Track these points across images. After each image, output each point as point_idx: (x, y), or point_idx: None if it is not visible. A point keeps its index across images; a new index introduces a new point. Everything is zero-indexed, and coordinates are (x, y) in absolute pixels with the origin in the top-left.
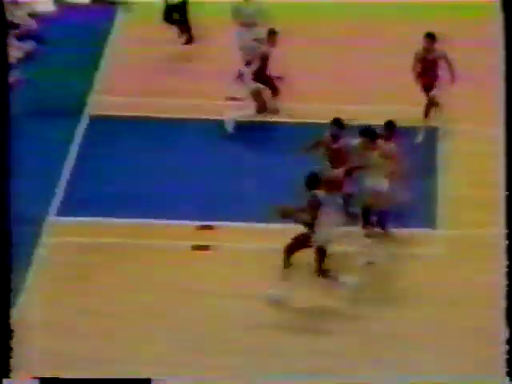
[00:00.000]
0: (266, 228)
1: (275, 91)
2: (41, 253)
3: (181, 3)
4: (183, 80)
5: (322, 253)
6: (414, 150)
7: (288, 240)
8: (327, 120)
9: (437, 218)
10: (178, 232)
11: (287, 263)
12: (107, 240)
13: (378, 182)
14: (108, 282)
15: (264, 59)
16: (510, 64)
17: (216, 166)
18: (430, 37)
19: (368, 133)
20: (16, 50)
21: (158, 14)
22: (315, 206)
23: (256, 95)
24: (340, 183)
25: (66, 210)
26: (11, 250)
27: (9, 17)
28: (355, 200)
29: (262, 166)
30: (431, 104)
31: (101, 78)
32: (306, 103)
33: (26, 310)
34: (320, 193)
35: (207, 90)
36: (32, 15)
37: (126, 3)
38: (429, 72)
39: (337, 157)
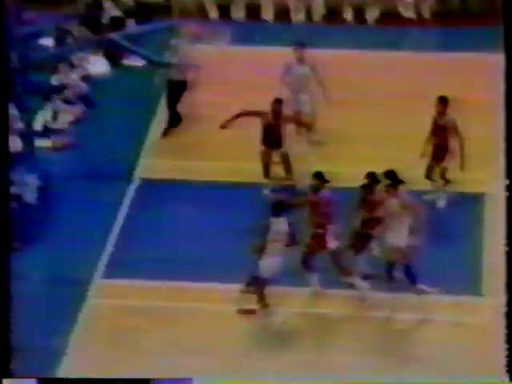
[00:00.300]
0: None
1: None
2: (86, 314)
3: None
4: (234, 143)
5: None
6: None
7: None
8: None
9: (481, 284)
10: (224, 295)
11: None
12: (153, 303)
13: (398, 237)
14: (152, 345)
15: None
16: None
17: None
18: (443, 100)
19: (392, 175)
20: (66, 113)
21: (209, 78)
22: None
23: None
24: (323, 240)
25: (112, 272)
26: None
27: (62, 79)
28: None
29: None
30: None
31: (151, 141)
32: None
33: (70, 371)
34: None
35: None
36: (85, 77)
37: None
38: (438, 138)
39: (315, 209)
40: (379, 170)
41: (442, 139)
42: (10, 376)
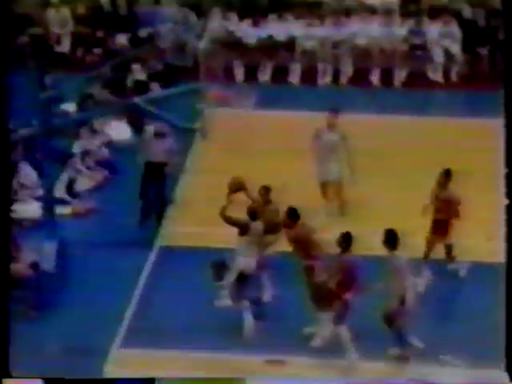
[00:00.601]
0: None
1: None
2: None
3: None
4: None
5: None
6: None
7: None
8: None
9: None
10: (246, 366)
11: None
12: (171, 373)
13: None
14: None
15: None
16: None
17: (286, 300)
18: (447, 173)
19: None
20: (87, 179)
21: (234, 143)
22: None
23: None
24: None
25: (130, 341)
26: None
27: (83, 145)
28: None
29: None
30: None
31: (173, 208)
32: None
33: None
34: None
35: None
36: (108, 143)
37: (203, 130)
38: (440, 213)
39: (298, 244)
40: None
41: (445, 214)
42: (10, 376)
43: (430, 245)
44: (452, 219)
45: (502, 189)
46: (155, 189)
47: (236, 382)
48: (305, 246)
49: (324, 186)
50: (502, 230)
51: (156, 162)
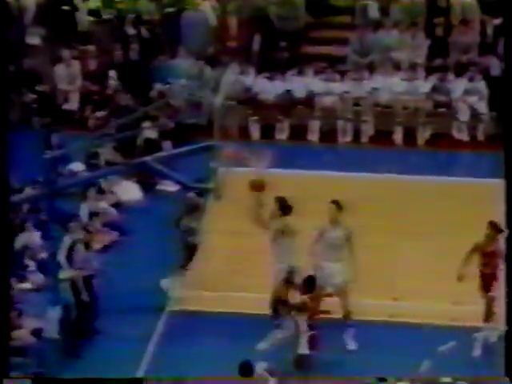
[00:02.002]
0: None
1: None
2: None
3: None
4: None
5: None
6: None
7: None
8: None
9: None
10: None
11: None
12: None
13: None
14: None
15: None
16: None
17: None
18: (493, 225)
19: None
20: (95, 242)
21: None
22: None
23: None
24: None
25: None
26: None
27: (91, 206)
28: None
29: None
30: (489, 306)
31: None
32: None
33: None
34: None
35: None
36: (117, 204)
37: (217, 190)
38: (488, 266)
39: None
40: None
41: (491, 267)
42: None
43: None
44: (497, 272)
45: None
46: None
47: None
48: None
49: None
50: None
51: None
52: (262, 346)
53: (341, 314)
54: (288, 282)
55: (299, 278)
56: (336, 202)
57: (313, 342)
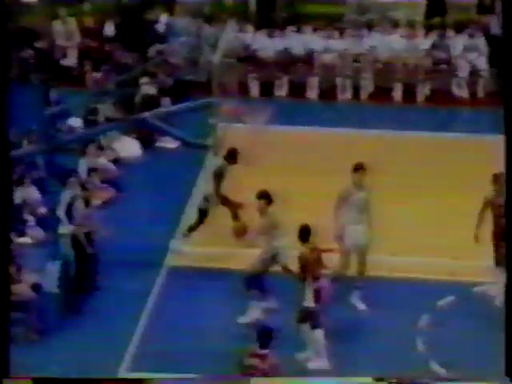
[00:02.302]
0: None
1: None
2: None
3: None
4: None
5: None
6: None
7: None
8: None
9: None
10: None
11: None
12: None
13: None
14: None
15: None
16: None
17: None
18: (497, 178)
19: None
20: (93, 198)
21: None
22: None
23: None
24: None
25: (137, 365)
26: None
27: (90, 162)
28: None
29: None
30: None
31: (184, 227)
32: None
33: None
34: None
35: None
36: (116, 161)
37: (216, 146)
38: (499, 220)
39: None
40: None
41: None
42: (10, 376)
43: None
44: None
45: None
46: None
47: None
48: (313, 265)
49: (348, 252)
50: None
51: None
52: (243, 319)
53: (355, 272)
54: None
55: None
56: (361, 166)
57: (318, 295)
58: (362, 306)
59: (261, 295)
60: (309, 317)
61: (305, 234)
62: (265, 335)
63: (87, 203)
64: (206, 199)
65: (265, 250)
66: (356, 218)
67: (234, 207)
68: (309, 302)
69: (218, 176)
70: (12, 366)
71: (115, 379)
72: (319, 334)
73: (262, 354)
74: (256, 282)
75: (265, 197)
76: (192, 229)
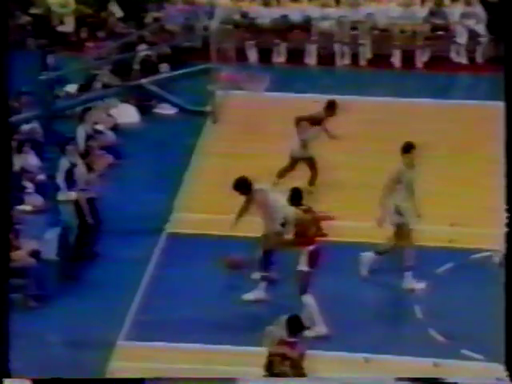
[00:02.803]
0: None
1: None
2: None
3: None
4: None
5: None
6: None
7: None
8: None
9: None
10: (256, 359)
11: None
12: (177, 366)
13: None
14: None
15: None
16: None
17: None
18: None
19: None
20: (92, 164)
21: (246, 127)
22: None
23: None
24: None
25: (135, 333)
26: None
27: (88, 129)
28: None
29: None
30: None
31: (182, 194)
32: None
33: None
34: None
35: None
36: (114, 128)
37: (214, 113)
38: None
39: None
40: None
41: None
42: (10, 376)
43: None
44: None
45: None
46: None
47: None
48: (310, 227)
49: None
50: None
51: None
52: (249, 296)
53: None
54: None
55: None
56: (412, 146)
57: (312, 259)
58: (419, 285)
59: (268, 271)
60: (302, 279)
61: (297, 196)
62: (295, 323)
63: (90, 169)
64: None
65: (267, 228)
66: (407, 197)
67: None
68: (302, 266)
69: None
70: (11, 333)
71: (115, 379)
72: (309, 299)
73: (292, 341)
74: (266, 259)
75: (241, 187)
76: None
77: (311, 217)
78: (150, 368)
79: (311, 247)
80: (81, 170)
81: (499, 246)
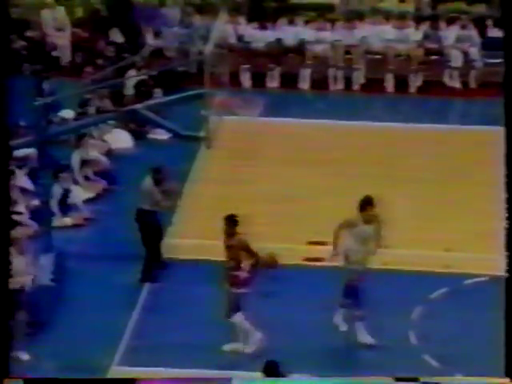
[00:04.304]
0: None
1: None
2: None
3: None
4: (262, 223)
5: None
6: None
7: None
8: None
9: None
10: None
11: None
12: None
13: None
14: None
15: None
16: None
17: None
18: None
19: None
20: (85, 190)
21: (240, 152)
22: None
23: None
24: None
25: (129, 358)
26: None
27: (82, 154)
28: None
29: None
30: None
31: (176, 219)
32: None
33: None
34: None
35: (287, 233)
36: (108, 153)
37: (208, 138)
38: None
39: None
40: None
41: None
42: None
43: None
44: None
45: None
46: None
47: None
48: (240, 255)
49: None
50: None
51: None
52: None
53: None
54: None
55: None
56: (369, 202)
57: (247, 281)
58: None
59: None
60: (233, 302)
61: (232, 223)
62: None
63: (78, 195)
64: None
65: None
66: (359, 244)
67: None
68: (235, 289)
69: None
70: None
71: (107, 379)
72: (238, 318)
73: None
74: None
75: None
76: None
77: (245, 244)
78: None
79: (242, 271)
80: (75, 195)
81: (495, 270)
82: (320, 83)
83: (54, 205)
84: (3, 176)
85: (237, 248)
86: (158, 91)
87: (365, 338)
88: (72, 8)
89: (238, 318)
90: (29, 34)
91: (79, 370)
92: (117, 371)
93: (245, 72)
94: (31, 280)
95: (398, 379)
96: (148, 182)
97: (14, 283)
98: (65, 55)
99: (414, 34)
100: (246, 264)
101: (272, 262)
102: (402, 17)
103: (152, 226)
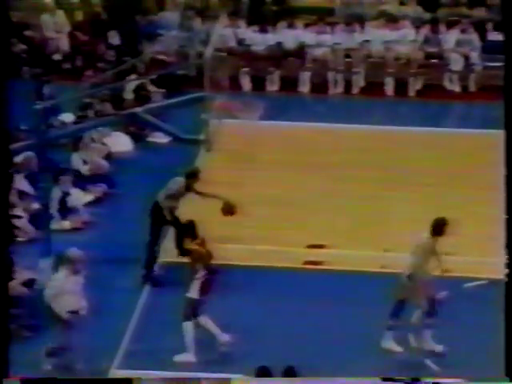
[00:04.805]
0: None
1: None
2: None
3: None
4: (262, 226)
5: None
6: None
7: None
8: None
9: None
10: None
11: None
12: None
13: None
14: None
15: None
16: None
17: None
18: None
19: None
20: (85, 193)
21: (240, 155)
22: None
23: None
24: None
25: (128, 363)
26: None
27: (82, 157)
28: None
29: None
30: None
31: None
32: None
33: None
34: None
35: (286, 237)
36: (107, 156)
37: (208, 142)
38: None
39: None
40: None
41: None
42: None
43: None
44: None
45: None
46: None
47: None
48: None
49: None
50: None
51: None
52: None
53: None
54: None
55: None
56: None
57: (205, 287)
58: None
59: None
60: (190, 306)
61: (192, 230)
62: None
63: (77, 199)
64: None
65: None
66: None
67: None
68: (192, 293)
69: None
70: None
71: (106, 379)
72: (189, 326)
73: None
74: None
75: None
76: None
77: (206, 249)
78: None
79: (203, 275)
80: (74, 198)
81: (495, 274)
82: (320, 87)
83: (53, 208)
84: (3, 179)
85: (195, 253)
86: (157, 95)
87: (432, 345)
88: (72, 12)
89: (188, 327)
90: (29, 37)
91: (76, 374)
92: (115, 375)
93: (245, 75)
94: (30, 283)
95: (384, 379)
96: (181, 184)
97: (14, 286)
98: (65, 59)
99: (414, 37)
100: (200, 268)
101: (230, 209)
102: (402, 20)
103: (165, 222)
